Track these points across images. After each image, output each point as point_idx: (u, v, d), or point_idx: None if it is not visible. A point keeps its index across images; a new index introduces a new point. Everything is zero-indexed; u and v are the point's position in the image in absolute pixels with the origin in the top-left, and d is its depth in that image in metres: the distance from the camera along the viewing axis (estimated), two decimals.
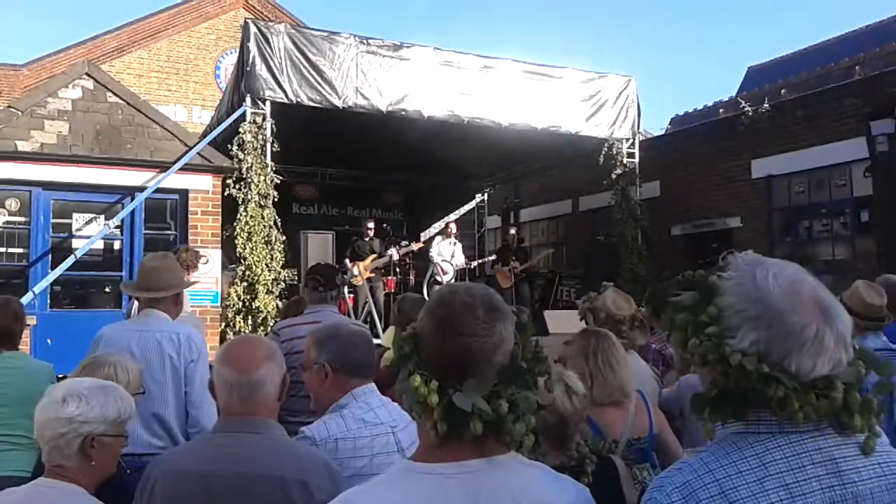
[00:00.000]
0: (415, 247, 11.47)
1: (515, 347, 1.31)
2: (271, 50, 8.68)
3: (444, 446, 1.25)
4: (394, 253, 10.72)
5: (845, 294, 3.69)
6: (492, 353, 1.26)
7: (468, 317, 1.26)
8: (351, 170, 13.62)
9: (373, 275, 10.54)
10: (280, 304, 8.38)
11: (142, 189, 8.05)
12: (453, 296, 1.31)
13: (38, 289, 7.16)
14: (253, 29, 8.69)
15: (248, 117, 8.57)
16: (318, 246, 9.82)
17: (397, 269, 11.22)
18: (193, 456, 2.04)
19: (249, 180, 8.42)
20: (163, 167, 8.15)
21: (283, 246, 8.63)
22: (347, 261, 10.33)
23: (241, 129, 8.54)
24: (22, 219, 8.09)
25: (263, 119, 8.62)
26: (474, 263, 12.72)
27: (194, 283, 5.40)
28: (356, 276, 10.27)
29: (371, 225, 10.90)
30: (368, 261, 10.42)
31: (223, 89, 13.43)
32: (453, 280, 11.34)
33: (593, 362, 2.94)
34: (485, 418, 1.21)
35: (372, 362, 2.48)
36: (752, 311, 1.22)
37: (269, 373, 2.02)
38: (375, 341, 2.71)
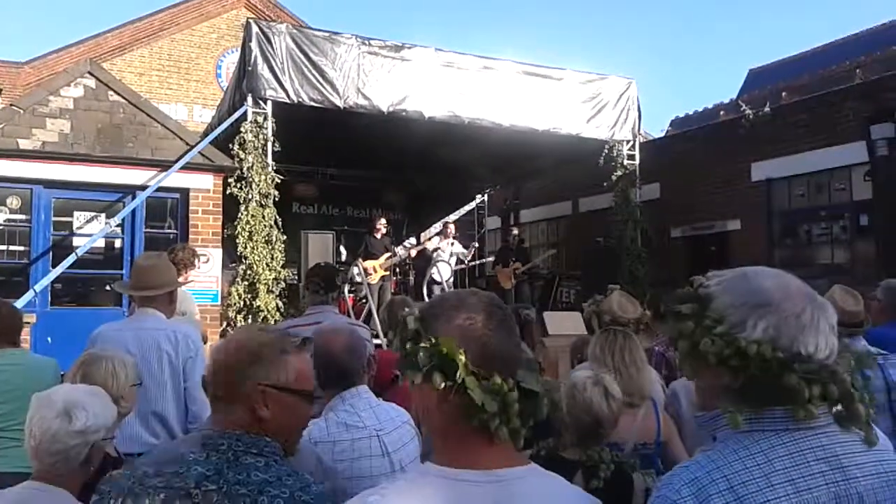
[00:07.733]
0: (429, 244, 11.40)
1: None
2: (273, 50, 8.69)
3: (471, 451, 1.23)
4: (402, 251, 10.60)
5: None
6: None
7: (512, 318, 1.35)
8: (351, 170, 13.63)
9: (387, 273, 10.42)
10: (280, 303, 8.42)
11: (143, 188, 8.06)
12: (491, 298, 1.37)
13: (39, 287, 7.16)
14: (255, 28, 8.70)
15: (250, 117, 8.58)
16: (319, 245, 9.81)
17: (398, 270, 11.20)
18: None
19: (250, 179, 8.43)
20: (164, 166, 8.15)
21: (283, 245, 8.63)
22: (360, 260, 10.14)
23: (242, 129, 8.55)
24: (23, 217, 8.09)
25: (264, 118, 8.62)
26: (471, 261, 12.66)
27: (189, 282, 5.43)
28: (370, 275, 10.09)
29: (383, 221, 10.68)
30: (383, 259, 10.28)
31: (224, 88, 13.44)
32: (451, 280, 11.33)
33: (619, 360, 2.93)
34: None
35: (363, 365, 2.48)
36: (755, 301, 1.28)
37: None
38: (375, 342, 2.71)
